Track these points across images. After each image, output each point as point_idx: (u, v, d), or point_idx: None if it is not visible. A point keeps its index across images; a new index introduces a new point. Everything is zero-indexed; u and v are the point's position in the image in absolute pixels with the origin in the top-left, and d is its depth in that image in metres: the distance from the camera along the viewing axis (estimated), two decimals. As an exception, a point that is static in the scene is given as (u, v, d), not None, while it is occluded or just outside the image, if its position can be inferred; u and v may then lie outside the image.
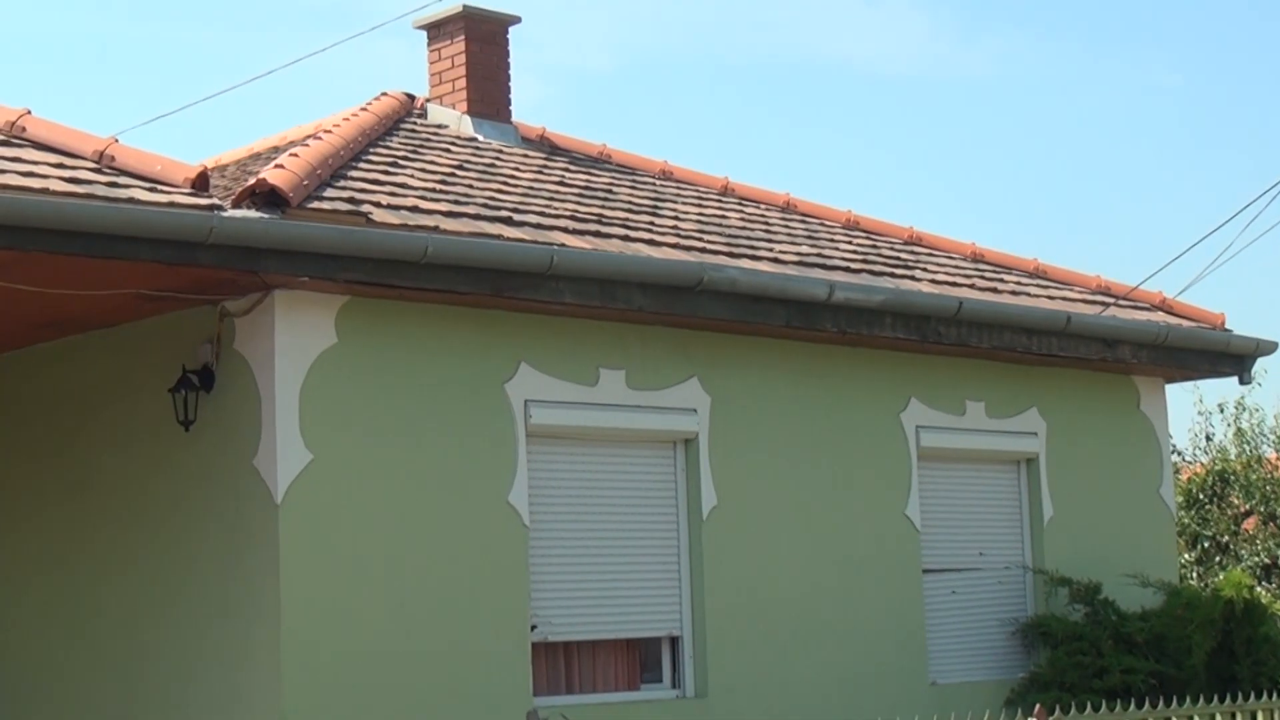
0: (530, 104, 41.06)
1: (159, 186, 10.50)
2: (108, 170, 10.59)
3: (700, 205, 14.81)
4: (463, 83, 15.09)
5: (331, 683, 10.68)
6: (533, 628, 11.68)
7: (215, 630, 10.95)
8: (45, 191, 9.94)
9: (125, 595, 11.58)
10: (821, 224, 15.56)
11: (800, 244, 14.33)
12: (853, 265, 13.95)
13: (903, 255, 15.11)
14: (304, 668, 10.58)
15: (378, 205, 11.35)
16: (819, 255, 14.00)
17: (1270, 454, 24.42)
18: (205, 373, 11.06)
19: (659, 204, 14.33)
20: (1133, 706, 11.33)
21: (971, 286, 14.56)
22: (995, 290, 14.70)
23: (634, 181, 15.02)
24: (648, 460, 12.57)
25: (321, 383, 10.89)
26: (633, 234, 12.79)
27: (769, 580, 12.83)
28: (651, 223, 13.42)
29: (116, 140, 10.82)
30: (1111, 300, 15.42)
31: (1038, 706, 10.42)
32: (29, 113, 10.93)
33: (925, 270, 14.68)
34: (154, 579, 11.40)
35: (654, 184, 15.24)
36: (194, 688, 11.05)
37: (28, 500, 12.00)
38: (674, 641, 12.52)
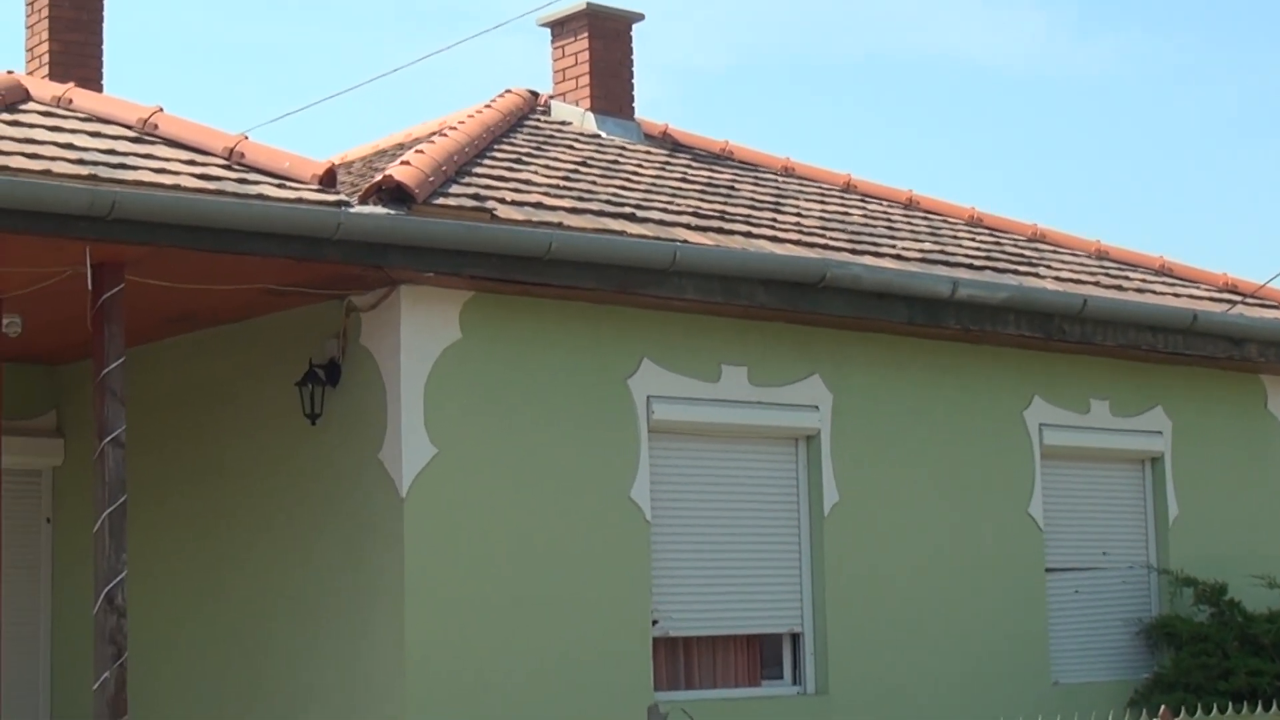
0: (649, 101, 41.11)
1: (287, 183, 10.65)
2: (237, 167, 10.74)
3: (822, 202, 14.79)
4: (586, 80, 15.16)
5: (454, 676, 10.77)
6: (654, 623, 11.72)
7: (338, 622, 11.07)
8: (177, 188, 10.11)
9: (252, 585, 11.74)
10: (944, 221, 15.50)
11: (923, 240, 14.28)
12: (975, 262, 13.88)
13: (1026, 252, 15.02)
14: (426, 660, 10.67)
15: (502, 201, 11.43)
16: (942, 252, 13.94)
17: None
18: (331, 367, 11.18)
19: (781, 200, 14.32)
20: (1259, 709, 11.19)
21: (1096, 284, 14.45)
22: (1120, 288, 14.58)
23: (756, 178, 15.02)
24: (769, 456, 12.56)
25: (446, 377, 10.98)
26: (755, 230, 12.80)
27: (891, 578, 12.80)
28: (774, 219, 13.42)
29: (246, 137, 10.98)
30: (1238, 298, 15.25)
31: (1163, 708, 10.32)
32: (161, 110, 11.10)
33: (1049, 267, 14.58)
34: (279, 570, 11.55)
35: (776, 181, 15.24)
36: (318, 678, 11.18)
37: (160, 488, 12.19)
38: (795, 638, 12.52)
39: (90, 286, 10.06)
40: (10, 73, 11.70)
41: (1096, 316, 13.38)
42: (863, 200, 15.46)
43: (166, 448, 12.27)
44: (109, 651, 9.87)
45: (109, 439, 10.03)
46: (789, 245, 12.72)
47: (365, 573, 10.93)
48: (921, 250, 13.78)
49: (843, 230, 13.77)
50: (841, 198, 15.29)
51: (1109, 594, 14.32)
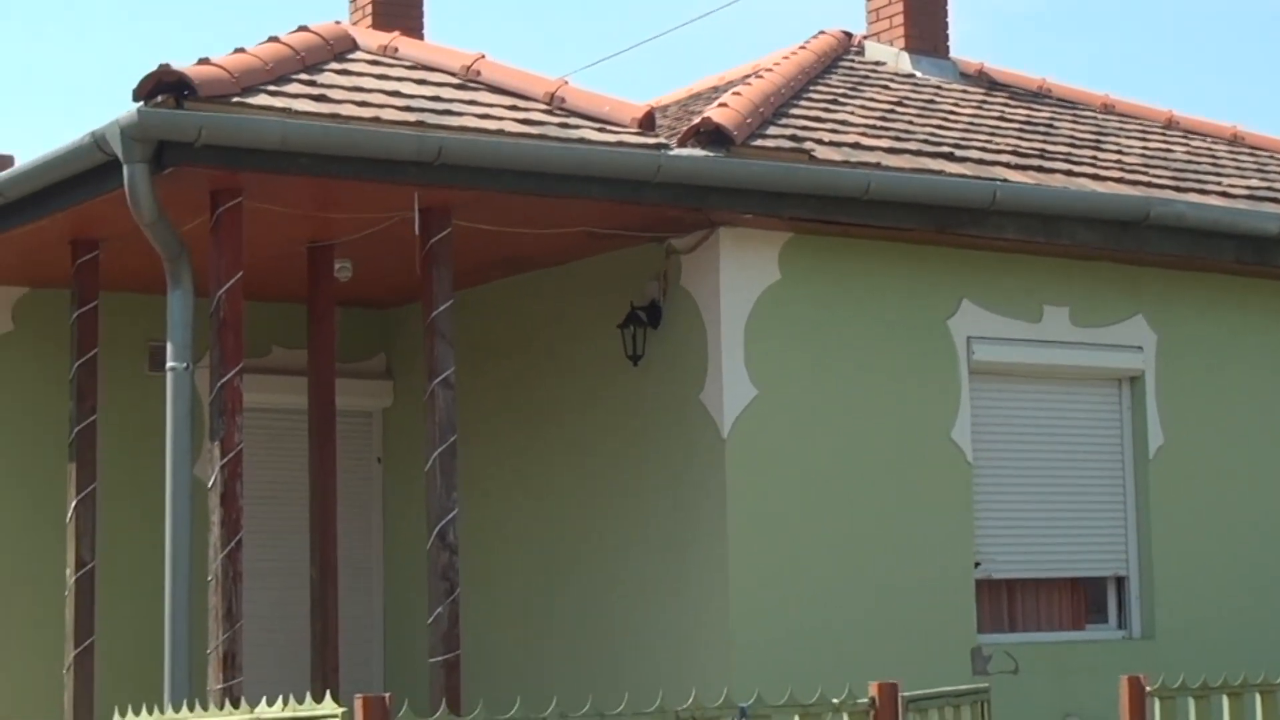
0: (963, 40, 40.52)
1: (607, 127, 10.76)
2: (558, 111, 10.89)
3: (1144, 139, 14.46)
4: (900, 19, 15.00)
5: (777, 615, 10.82)
6: (976, 565, 11.64)
7: (663, 561, 11.20)
8: (500, 133, 10.30)
9: (576, 524, 11.94)
10: (1271, 157, 15.03)
11: (1250, 177, 13.88)
12: (1306, 199, 13.46)
13: (1361, 188, 14.50)
14: (750, 600, 10.75)
15: (819, 142, 11.40)
16: (1269, 189, 13.54)
17: None
18: (653, 309, 11.29)
19: (1102, 138, 14.04)
20: None
21: None
22: None
23: (1075, 116, 14.74)
24: (1092, 398, 12.36)
25: (766, 319, 11.01)
26: (1076, 169, 12.58)
27: (1218, 522, 12.51)
28: (1095, 157, 13.17)
29: (566, 82, 11.12)
30: None
31: None
32: (483, 57, 11.29)
33: (1385, 203, 14.07)
34: (602, 510, 11.72)
35: (1096, 118, 14.93)
36: (642, 616, 11.34)
37: (486, 428, 12.44)
38: (1120, 582, 12.32)
39: (418, 231, 10.31)
40: (338, 23, 12.00)
41: None
42: (1185, 137, 15.07)
43: (493, 389, 12.53)
44: (441, 588, 10.13)
45: (438, 380, 10.27)
46: (1111, 183, 12.48)
47: (687, 513, 11.03)
48: (1248, 187, 13.40)
49: (1165, 167, 13.45)
50: (1163, 134, 14.92)
51: None
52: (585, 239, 11.31)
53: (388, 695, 7.06)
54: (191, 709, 8.25)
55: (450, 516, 10.16)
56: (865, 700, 8.08)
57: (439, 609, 10.10)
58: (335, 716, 7.08)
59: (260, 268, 10.69)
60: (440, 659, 10.06)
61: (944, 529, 11.46)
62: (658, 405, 11.30)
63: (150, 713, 8.34)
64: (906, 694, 8.15)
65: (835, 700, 8.00)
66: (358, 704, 7.00)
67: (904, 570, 11.26)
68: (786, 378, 11.05)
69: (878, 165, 11.26)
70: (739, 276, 10.97)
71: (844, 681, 8.26)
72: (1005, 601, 11.99)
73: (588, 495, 11.86)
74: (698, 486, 10.97)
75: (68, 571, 11.06)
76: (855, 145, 11.60)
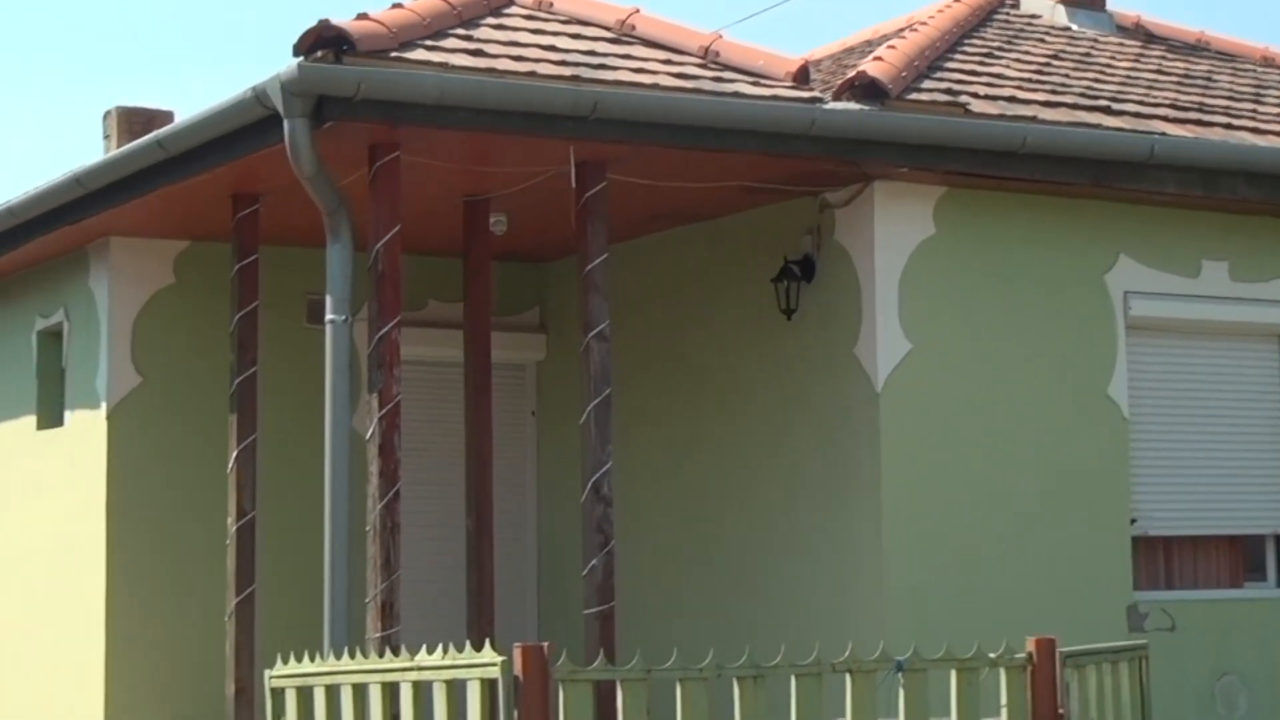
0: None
1: (761, 80, 10.73)
2: (713, 65, 10.87)
3: (1306, 91, 14.18)
4: (1055, -29, 14.81)
5: (931, 571, 10.79)
6: (1133, 522, 11.52)
7: (816, 515, 11.20)
8: (655, 87, 10.30)
9: (729, 478, 11.96)
10: None
11: None
12: None
13: None
14: (904, 555, 10.73)
15: (975, 96, 11.31)
16: None
17: None
18: (806, 263, 11.27)
19: (1262, 91, 13.78)
20: None
21: None
22: None
23: (1234, 69, 14.48)
24: (1250, 354, 12.20)
25: (920, 273, 10.96)
26: (1235, 122, 12.37)
27: (1381, 480, 12.31)
28: (1254, 110, 12.93)
29: (721, 36, 11.09)
30: None
31: None
32: (638, 11, 11.29)
33: None
34: (756, 463, 11.74)
35: (1255, 71, 14.65)
36: (796, 570, 11.35)
37: (640, 382, 12.48)
38: (1279, 540, 12.17)
39: (574, 185, 10.36)
40: (494, -21, 12.03)
41: None
42: (1348, 89, 14.75)
43: (646, 342, 12.56)
44: (596, 540, 10.19)
45: (593, 333, 10.32)
46: (1271, 137, 12.26)
47: (841, 467, 11.02)
48: None
49: (1329, 120, 13.19)
50: (1326, 87, 14.62)
51: None
52: (739, 193, 11.31)
53: (546, 645, 7.14)
54: (352, 657, 8.38)
55: (605, 469, 10.22)
56: (1022, 655, 8.07)
57: (594, 561, 10.16)
58: (494, 665, 7.16)
59: (417, 222, 10.78)
60: (595, 611, 10.13)
61: (1100, 485, 11.36)
62: (811, 359, 11.29)
63: (311, 660, 8.50)
64: (1064, 650, 8.12)
65: (992, 655, 7.99)
66: (517, 653, 7.08)
67: (1059, 526, 11.18)
68: (941, 332, 11.00)
69: (1034, 119, 11.15)
70: (893, 230, 10.92)
71: (997, 638, 8.23)
72: (1162, 559, 11.87)
73: (741, 448, 11.87)
74: (851, 440, 10.95)
75: (229, 521, 11.25)
76: (1011, 99, 11.49)
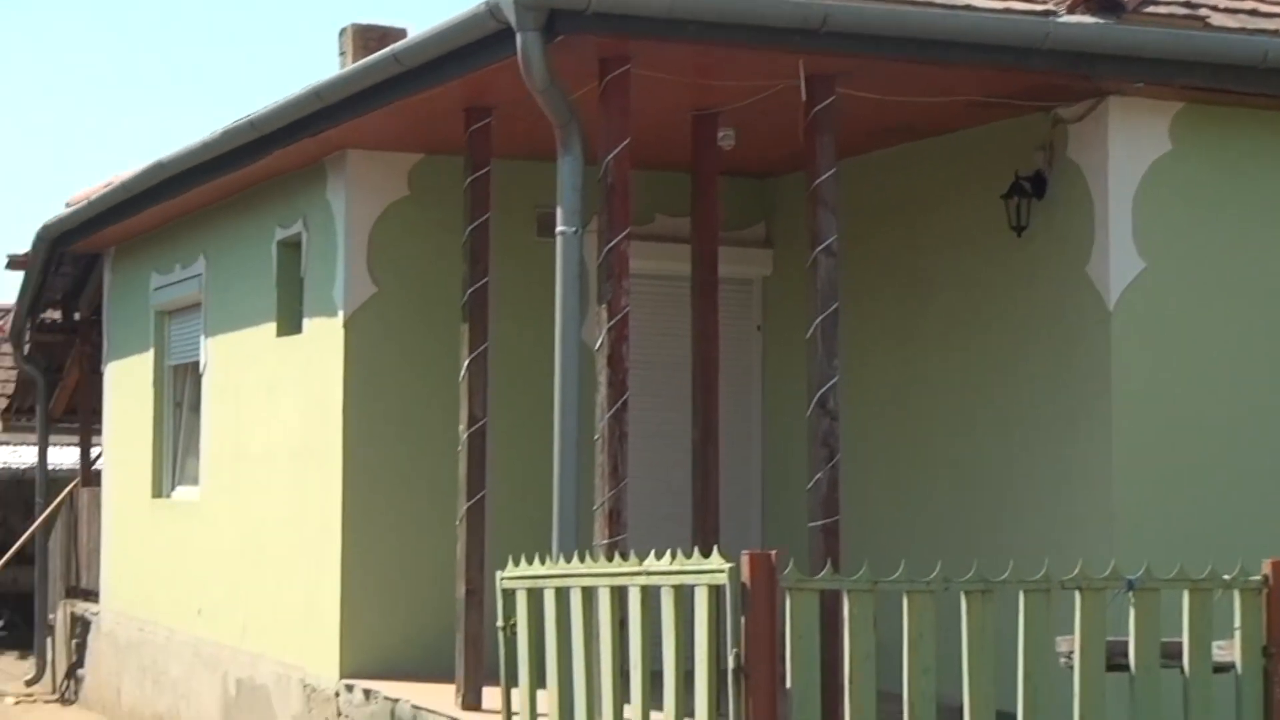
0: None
1: (994, -7, 10.62)
2: (945, -22, 10.76)
3: None
4: (1302, -119, 14.39)
5: (1161, 492, 10.69)
6: (1373, 445, 11.30)
7: (1045, 432, 11.14)
8: (887, 0, 10.23)
9: (957, 395, 11.93)
10: None
11: None
12: None
13: None
14: (1134, 475, 10.63)
15: (1214, 9, 11.06)
16: None
17: None
18: (1038, 179, 11.15)
19: None
20: None
21: None
22: None
23: None
24: None
25: (1155, 190, 10.80)
26: None
27: None
28: None
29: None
30: None
31: None
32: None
33: None
34: (983, 381, 11.69)
35: None
36: (1022, 489, 11.31)
37: (867, 297, 12.45)
38: None
39: (803, 99, 10.35)
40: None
41: None
42: None
43: (873, 258, 12.54)
44: (821, 454, 10.23)
45: (821, 248, 10.32)
46: None
47: (1071, 385, 10.94)
48: None
49: None
50: None
51: None
52: (970, 108, 11.21)
53: (774, 552, 7.20)
54: (581, 561, 8.53)
55: (831, 383, 10.24)
56: (1258, 578, 7.97)
57: (819, 474, 10.21)
58: (722, 572, 7.25)
59: (646, 136, 10.84)
60: (819, 524, 10.19)
61: (1337, 409, 11.14)
62: (1041, 277, 11.19)
63: (541, 563, 8.67)
64: (1301, 573, 8.01)
65: (1226, 577, 7.91)
66: (745, 560, 7.16)
67: (1294, 449, 11.01)
68: (1176, 251, 10.84)
69: (1276, 33, 10.89)
70: (1128, 147, 10.77)
71: (1229, 562, 8.13)
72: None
73: (968, 365, 11.83)
74: (1082, 359, 10.86)
75: (460, 428, 11.47)
76: (1252, 12, 11.22)
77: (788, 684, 7.18)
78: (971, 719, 7.43)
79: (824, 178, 10.33)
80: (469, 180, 11.52)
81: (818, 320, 10.27)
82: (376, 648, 12.55)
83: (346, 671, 12.49)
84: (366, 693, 12.09)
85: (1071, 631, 7.67)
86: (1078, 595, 7.64)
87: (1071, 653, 7.68)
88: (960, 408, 11.88)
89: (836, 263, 10.34)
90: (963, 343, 11.87)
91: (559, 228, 10.08)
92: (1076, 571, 7.65)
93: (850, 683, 7.24)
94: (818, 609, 7.25)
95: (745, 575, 7.13)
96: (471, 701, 11.15)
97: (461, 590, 11.38)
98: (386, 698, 11.79)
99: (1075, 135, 10.95)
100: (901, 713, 7.35)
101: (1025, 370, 11.32)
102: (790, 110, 10.53)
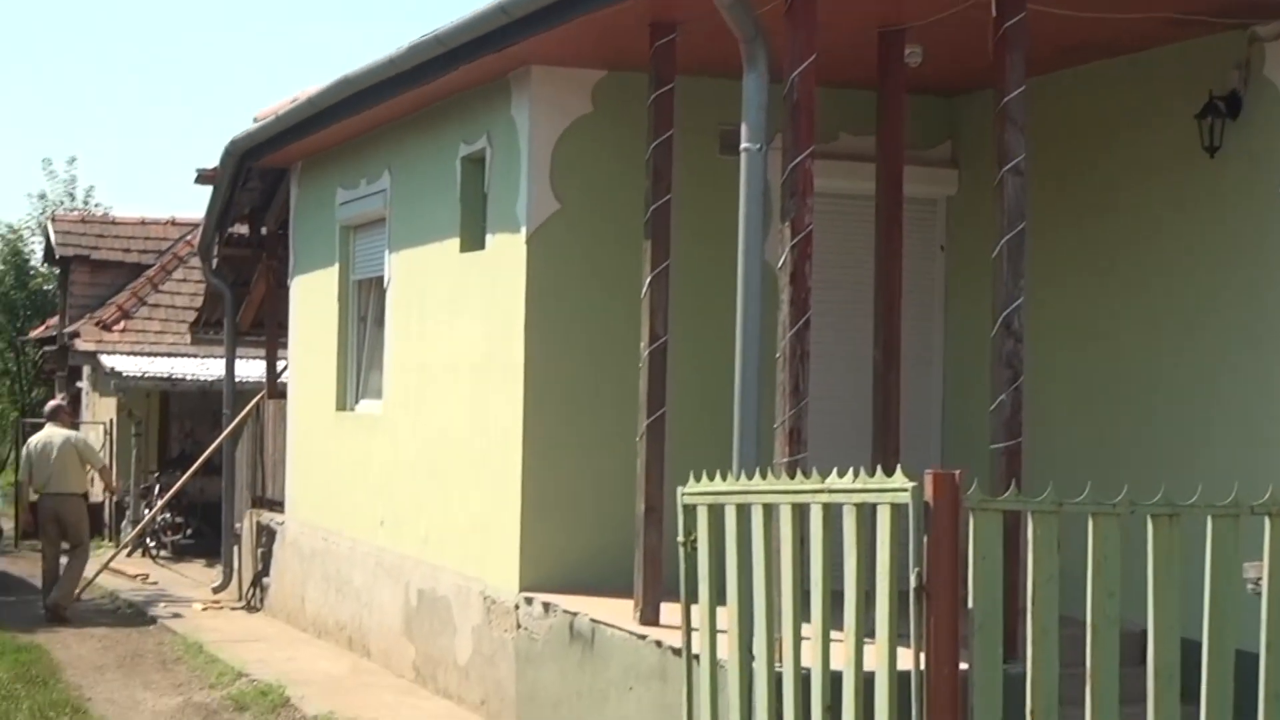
0: None
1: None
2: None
3: None
4: None
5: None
6: None
7: (1234, 356, 10.95)
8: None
9: (1144, 318, 11.74)
10: None
11: None
12: None
13: None
14: (1324, 400, 10.45)
15: None
16: None
17: None
18: (1232, 99, 10.90)
19: None
20: None
21: None
22: None
23: None
24: None
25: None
26: None
27: None
28: None
29: None
30: None
31: None
32: None
33: None
34: (1173, 304, 11.49)
35: None
36: (1211, 416, 11.13)
37: (1053, 218, 12.25)
38: None
39: (992, 15, 10.20)
40: None
41: None
42: None
43: (1060, 179, 12.35)
44: (1005, 375, 10.14)
45: (1008, 167, 10.19)
46: None
47: (1263, 310, 10.73)
48: None
49: None
50: None
51: None
52: (1163, 25, 10.98)
53: (958, 471, 7.15)
54: (763, 478, 8.53)
55: (1016, 304, 10.12)
56: None
57: (1002, 396, 10.12)
58: (905, 491, 7.21)
59: (831, 53, 10.74)
60: (1001, 446, 10.10)
61: None
62: (1234, 199, 10.97)
63: (723, 480, 8.69)
64: None
65: None
66: (928, 479, 7.11)
67: None
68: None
69: None
70: (1311, 65, 10.54)
71: None
72: None
73: (1155, 286, 11.64)
74: (1275, 281, 10.64)
75: (641, 345, 11.50)
76: None
77: (969, 605, 7.14)
78: (1156, 645, 7.35)
79: (1013, 95, 10.18)
80: (652, 97, 11.49)
81: (1003, 240, 10.15)
82: (555, 562, 12.67)
83: (526, 585, 12.64)
84: (546, 606, 12.22)
85: (1260, 558, 7.55)
86: (1267, 521, 7.51)
87: (1260, 579, 7.57)
88: (1147, 330, 11.70)
89: (1024, 182, 10.20)
90: (1152, 265, 11.68)
91: (743, 145, 10.03)
92: (1267, 497, 7.52)
93: (1032, 605, 7.18)
94: (1001, 530, 7.20)
95: (929, 494, 7.09)
96: (649, 617, 11.22)
97: (641, 506, 11.44)
98: (565, 611, 11.92)
99: (1273, 53, 10.70)
100: (1083, 637, 7.29)
101: (1214, 291, 11.12)
102: (979, 26, 10.39)
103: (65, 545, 19.83)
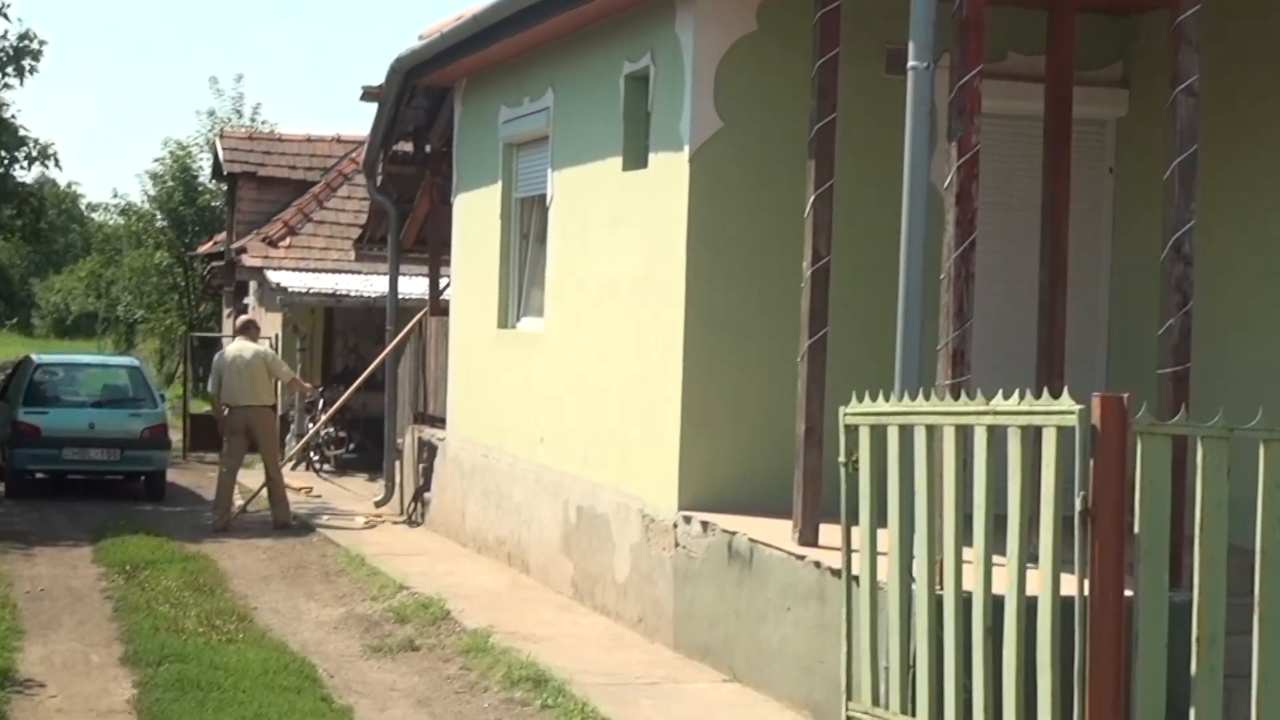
0: None
1: None
2: None
3: None
4: None
5: None
6: None
7: None
8: None
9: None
10: None
11: None
12: None
13: None
14: None
15: None
16: None
17: None
18: None
19: None
20: None
21: None
22: None
23: None
24: None
25: None
26: None
27: None
28: None
29: None
30: None
31: None
32: None
33: None
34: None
35: None
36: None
37: (1228, 142, 11.99)
38: None
39: (1170, -68, 10.01)
40: None
41: None
42: None
43: (1233, 100, 12.09)
44: (1174, 299, 9.98)
45: (1181, 88, 9.99)
46: None
47: None
48: None
49: None
50: None
51: None
52: (1348, -58, 10.72)
53: (1125, 395, 7.07)
54: (927, 399, 8.48)
55: (1187, 227, 9.95)
56: None
57: (1170, 320, 9.96)
58: (1071, 414, 7.14)
59: (1003, -30, 10.62)
60: (1169, 371, 9.96)
61: None
62: None
63: (886, 400, 8.64)
64: None
65: None
66: (1095, 402, 7.04)
67: None
68: None
69: None
70: None
71: None
72: None
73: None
74: None
75: (804, 264, 11.44)
76: None
77: (1135, 531, 7.07)
78: (1326, 574, 7.24)
79: (1187, 15, 9.97)
80: (818, 15, 11.38)
81: (1175, 162, 9.97)
82: (714, 481, 12.69)
83: (684, 504, 12.67)
84: (704, 525, 12.25)
85: None
86: None
87: None
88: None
89: (1198, 103, 10.00)
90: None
91: (910, 63, 9.91)
92: None
93: (1200, 532, 7.10)
94: (1169, 455, 7.11)
95: (1096, 417, 7.01)
96: (808, 538, 11.21)
97: (801, 427, 11.41)
98: (724, 530, 11.94)
99: None
100: (1250, 566, 7.19)
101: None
102: (1155, -56, 10.19)
103: (247, 458, 20.27)
